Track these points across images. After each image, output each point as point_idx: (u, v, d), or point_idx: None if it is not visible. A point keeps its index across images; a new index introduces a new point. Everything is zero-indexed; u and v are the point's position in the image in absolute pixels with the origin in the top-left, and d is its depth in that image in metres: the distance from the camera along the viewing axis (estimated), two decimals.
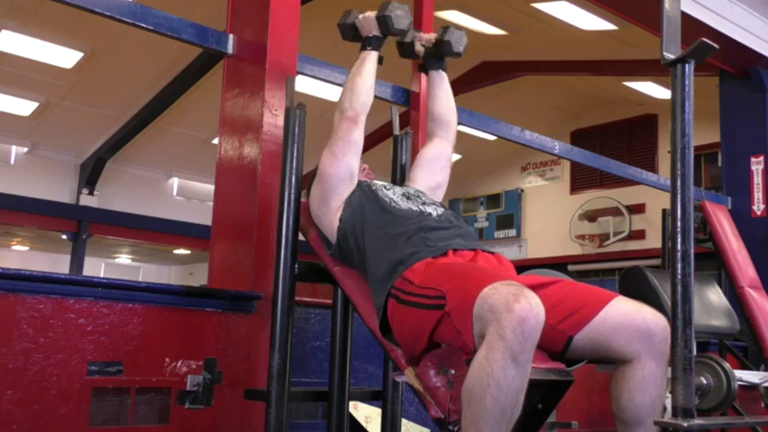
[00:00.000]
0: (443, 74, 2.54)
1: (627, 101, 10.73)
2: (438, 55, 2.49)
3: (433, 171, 2.43)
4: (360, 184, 2.22)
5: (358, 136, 2.21)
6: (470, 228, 2.21)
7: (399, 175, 2.57)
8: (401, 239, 2.00)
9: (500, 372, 1.50)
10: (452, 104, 2.54)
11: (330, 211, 2.15)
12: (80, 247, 11.14)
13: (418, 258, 1.92)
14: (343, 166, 2.17)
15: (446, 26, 2.48)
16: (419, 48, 2.50)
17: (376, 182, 2.29)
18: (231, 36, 2.94)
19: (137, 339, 2.32)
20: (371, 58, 2.31)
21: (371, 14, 2.33)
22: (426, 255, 1.93)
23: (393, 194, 2.19)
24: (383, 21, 2.31)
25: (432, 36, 2.49)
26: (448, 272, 1.83)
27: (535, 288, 1.66)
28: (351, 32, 2.39)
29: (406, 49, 2.51)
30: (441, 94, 2.52)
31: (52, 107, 9.93)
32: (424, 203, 2.17)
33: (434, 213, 2.12)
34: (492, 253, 2.05)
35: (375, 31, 2.33)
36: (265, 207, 2.64)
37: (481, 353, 1.54)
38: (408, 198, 2.19)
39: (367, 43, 2.33)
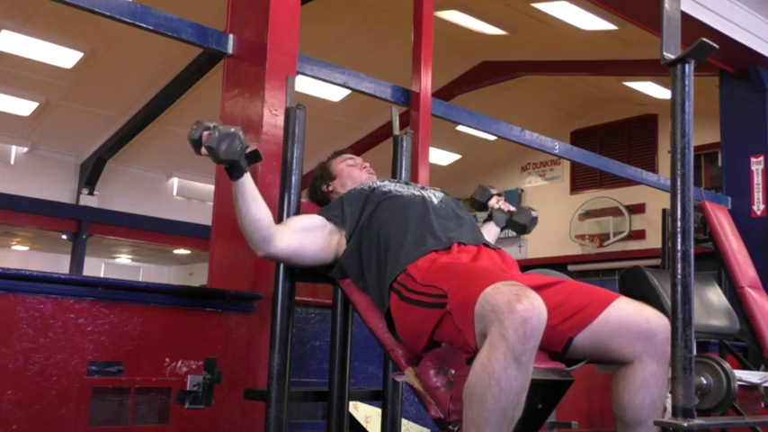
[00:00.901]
0: (498, 230, 2.71)
1: (627, 101, 10.73)
2: (507, 220, 2.70)
3: None
4: (346, 198, 2.20)
5: (283, 245, 2.07)
6: (471, 216, 2.22)
7: (399, 176, 2.57)
8: (407, 224, 2.02)
9: (502, 372, 1.50)
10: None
11: (330, 258, 2.15)
12: (80, 247, 11.15)
13: (423, 252, 1.93)
14: (308, 254, 2.12)
15: (526, 208, 2.71)
16: (494, 203, 2.72)
17: (368, 182, 2.28)
18: (231, 36, 2.94)
19: (137, 339, 2.32)
20: (240, 186, 2.01)
21: (204, 150, 1.97)
22: (430, 247, 1.94)
23: (393, 185, 2.21)
24: (214, 156, 1.96)
25: (510, 207, 2.72)
26: (450, 270, 1.83)
27: (537, 288, 1.66)
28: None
29: (481, 201, 2.76)
30: (487, 237, 2.59)
31: (52, 107, 9.94)
32: (423, 188, 2.21)
33: (435, 200, 2.15)
34: (495, 249, 2.05)
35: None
36: None
37: (483, 353, 1.54)
38: (407, 184, 2.25)
39: (229, 176, 2.03)
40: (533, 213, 2.72)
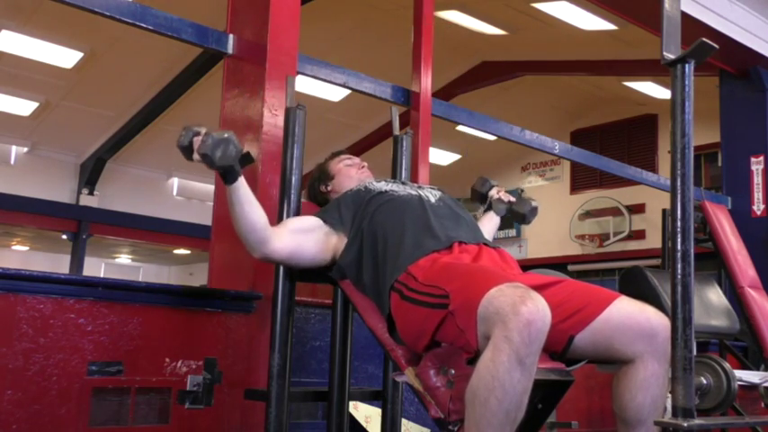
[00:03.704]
0: (498, 219, 2.70)
1: (627, 101, 10.73)
2: (507, 209, 2.69)
3: None
4: (342, 200, 2.20)
5: (280, 246, 2.05)
6: (469, 214, 2.21)
7: (399, 175, 2.57)
8: (404, 225, 2.01)
9: (505, 374, 1.49)
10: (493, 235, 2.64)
11: (328, 259, 2.14)
12: (80, 247, 11.15)
13: (423, 252, 1.92)
14: (305, 255, 2.11)
15: (526, 198, 2.72)
16: (494, 193, 2.71)
17: (364, 182, 2.28)
18: (231, 36, 2.94)
19: (137, 339, 2.32)
20: (235, 191, 1.99)
21: (197, 157, 1.94)
22: (431, 247, 1.94)
23: (389, 185, 2.21)
24: (208, 163, 1.92)
25: (510, 198, 2.70)
26: (452, 271, 1.82)
27: (538, 288, 1.66)
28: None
29: (482, 192, 2.73)
30: (488, 227, 2.62)
31: (52, 107, 9.94)
32: (420, 187, 2.20)
33: (433, 198, 2.14)
34: (495, 248, 2.05)
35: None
36: (265, 207, 2.63)
37: (487, 355, 1.53)
38: (404, 183, 2.24)
39: (224, 181, 2.00)
40: (533, 203, 2.71)
